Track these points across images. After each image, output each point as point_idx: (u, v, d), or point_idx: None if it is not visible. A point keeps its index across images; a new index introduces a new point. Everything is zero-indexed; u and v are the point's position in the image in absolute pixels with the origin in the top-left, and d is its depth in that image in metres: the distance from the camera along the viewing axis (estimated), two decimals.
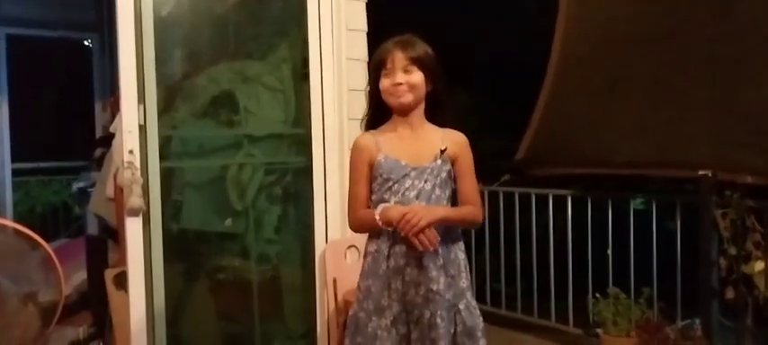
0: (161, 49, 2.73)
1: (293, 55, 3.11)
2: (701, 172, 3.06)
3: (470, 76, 4.89)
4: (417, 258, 1.86)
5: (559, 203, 3.89)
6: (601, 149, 3.77)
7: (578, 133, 3.91)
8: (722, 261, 3.01)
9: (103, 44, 5.58)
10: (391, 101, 1.91)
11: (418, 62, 1.89)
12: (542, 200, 3.97)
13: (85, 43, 5.94)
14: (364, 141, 1.96)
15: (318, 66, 3.06)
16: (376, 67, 1.93)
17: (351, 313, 2.00)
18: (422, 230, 1.77)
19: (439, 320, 1.85)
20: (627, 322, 3.28)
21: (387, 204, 1.88)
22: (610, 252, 3.67)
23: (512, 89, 4.76)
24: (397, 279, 1.88)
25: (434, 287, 1.85)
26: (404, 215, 1.78)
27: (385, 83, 1.90)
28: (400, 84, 1.88)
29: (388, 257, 1.88)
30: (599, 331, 3.43)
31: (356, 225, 1.99)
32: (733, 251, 2.96)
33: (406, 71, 1.88)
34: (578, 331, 3.72)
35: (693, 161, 3.16)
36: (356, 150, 1.97)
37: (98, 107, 5.65)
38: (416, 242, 1.78)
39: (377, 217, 1.85)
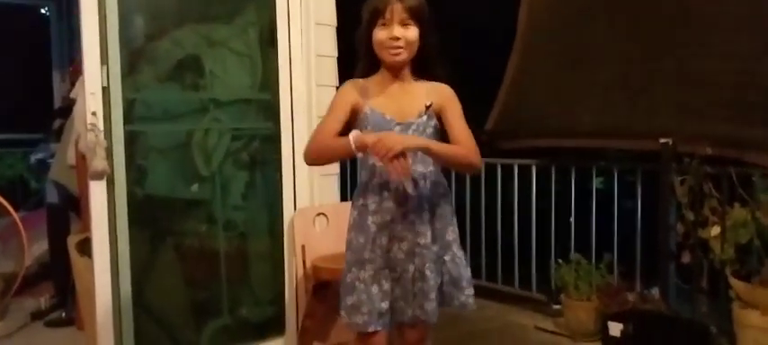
0: (124, 10, 2.65)
1: (260, 18, 3.06)
2: (661, 140, 3.14)
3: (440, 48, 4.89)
4: (403, 213, 1.85)
5: (524, 173, 3.95)
6: (566, 120, 3.84)
7: (545, 105, 3.97)
8: (680, 227, 3.11)
9: (61, 12, 5.41)
10: (385, 55, 1.87)
11: (415, 14, 1.85)
12: (507, 170, 4.02)
13: (42, 11, 5.75)
14: (353, 86, 1.91)
15: (286, 31, 3.03)
16: (372, 17, 1.86)
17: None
18: (397, 155, 1.69)
19: (428, 272, 1.85)
20: (588, 287, 3.37)
21: (358, 131, 1.82)
22: (572, 220, 3.75)
23: (480, 61, 4.79)
24: (382, 235, 1.87)
25: (421, 242, 1.86)
26: (380, 138, 1.70)
27: (381, 34, 1.84)
28: (397, 38, 1.83)
29: (375, 212, 1.87)
30: (561, 297, 3.51)
31: (317, 152, 1.86)
32: (690, 216, 3.05)
33: (403, 24, 1.83)
34: (541, 297, 3.80)
35: (655, 131, 3.24)
36: (343, 91, 1.91)
37: (56, 77, 5.49)
38: (390, 167, 1.71)
39: (350, 141, 1.75)
